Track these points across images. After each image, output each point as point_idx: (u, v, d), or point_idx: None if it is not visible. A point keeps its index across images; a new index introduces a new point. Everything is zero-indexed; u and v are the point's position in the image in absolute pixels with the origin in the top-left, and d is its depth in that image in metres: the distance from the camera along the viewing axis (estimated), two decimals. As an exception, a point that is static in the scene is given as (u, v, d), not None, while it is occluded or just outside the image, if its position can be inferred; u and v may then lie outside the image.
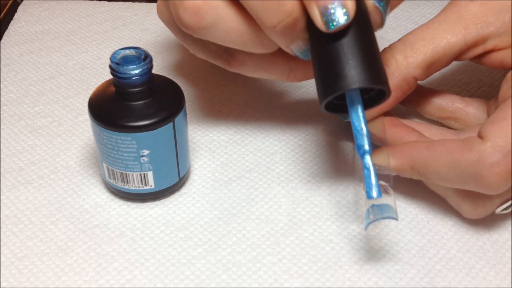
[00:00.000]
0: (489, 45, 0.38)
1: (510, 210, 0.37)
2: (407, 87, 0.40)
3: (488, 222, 0.39)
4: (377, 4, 0.34)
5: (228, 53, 0.39)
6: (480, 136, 0.34)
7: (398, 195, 0.41)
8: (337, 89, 0.32)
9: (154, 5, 0.61)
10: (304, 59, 0.36)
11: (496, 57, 0.39)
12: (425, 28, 0.39)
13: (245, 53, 0.39)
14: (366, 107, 0.35)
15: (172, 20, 0.38)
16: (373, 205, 0.34)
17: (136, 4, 0.62)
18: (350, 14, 0.32)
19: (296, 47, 0.35)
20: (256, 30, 0.35)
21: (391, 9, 0.36)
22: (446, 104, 0.43)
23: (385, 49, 0.40)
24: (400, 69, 0.39)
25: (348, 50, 0.32)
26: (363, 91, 0.35)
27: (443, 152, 0.35)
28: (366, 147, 0.34)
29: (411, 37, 0.39)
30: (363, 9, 0.34)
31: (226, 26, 0.34)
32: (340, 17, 0.32)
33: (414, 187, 0.40)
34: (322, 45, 0.33)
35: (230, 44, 0.36)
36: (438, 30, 0.38)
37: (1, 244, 0.38)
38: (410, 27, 0.57)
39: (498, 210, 0.37)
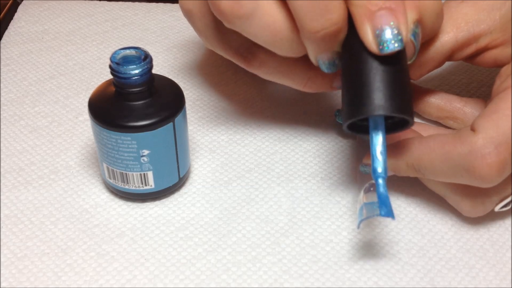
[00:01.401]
0: (481, 44, 0.38)
1: (509, 207, 0.37)
2: None
3: (488, 222, 0.39)
4: (413, 39, 0.34)
5: (250, 51, 0.39)
6: (472, 129, 0.35)
7: (398, 195, 0.41)
8: (363, 113, 0.32)
9: (154, 5, 0.62)
10: (325, 71, 0.36)
11: (489, 56, 0.39)
12: None
13: (268, 54, 0.38)
14: (388, 131, 0.35)
15: (196, 9, 0.38)
16: (366, 203, 0.35)
17: (136, 4, 0.62)
18: (405, 40, 0.32)
19: (324, 58, 0.35)
20: (292, 31, 0.34)
21: (421, 40, 0.36)
22: (444, 104, 0.43)
23: None
24: None
25: (381, 76, 0.32)
26: (387, 117, 0.35)
27: (435, 145, 0.35)
28: (380, 170, 0.34)
29: None
30: None
31: (264, 20, 0.34)
32: (393, 41, 0.32)
33: (414, 187, 0.41)
34: (357, 65, 0.33)
35: (260, 40, 0.35)
36: None
37: (1, 244, 0.38)
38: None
39: (497, 208, 0.37)
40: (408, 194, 0.41)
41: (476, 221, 0.39)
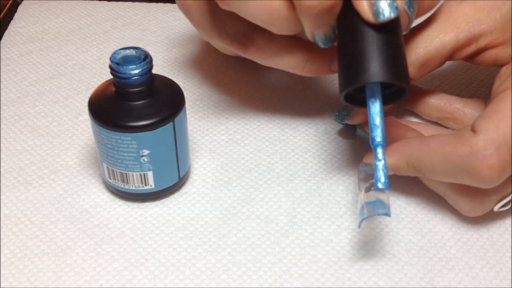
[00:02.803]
0: (481, 43, 0.38)
1: (508, 207, 0.37)
2: None
3: (488, 222, 0.39)
4: (406, 8, 0.34)
5: (246, 37, 0.39)
6: (472, 129, 0.35)
7: (398, 195, 0.41)
8: (360, 81, 0.33)
9: (154, 5, 0.61)
10: (321, 46, 0.36)
11: (489, 55, 0.39)
12: (417, 28, 0.39)
13: (264, 39, 0.38)
14: (384, 102, 0.35)
15: (191, 0, 0.38)
16: (367, 203, 0.35)
17: (136, 4, 0.62)
18: (400, 8, 0.33)
19: (321, 33, 0.35)
20: (288, 9, 0.34)
21: (420, 14, 0.36)
22: (444, 104, 0.43)
23: None
24: None
25: (377, 44, 0.33)
26: (384, 87, 0.35)
27: (436, 146, 0.35)
28: (379, 139, 0.34)
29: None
30: None
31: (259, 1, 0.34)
32: (388, 9, 0.32)
33: (414, 186, 0.41)
34: (353, 36, 0.34)
35: (257, 19, 0.35)
36: (430, 29, 0.39)
37: (1, 244, 0.38)
38: (410, 27, 0.57)
39: (496, 208, 0.37)
40: (408, 194, 0.41)
41: (476, 221, 0.39)
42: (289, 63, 0.40)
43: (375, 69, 0.33)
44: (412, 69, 0.39)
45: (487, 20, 0.38)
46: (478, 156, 0.33)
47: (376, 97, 0.34)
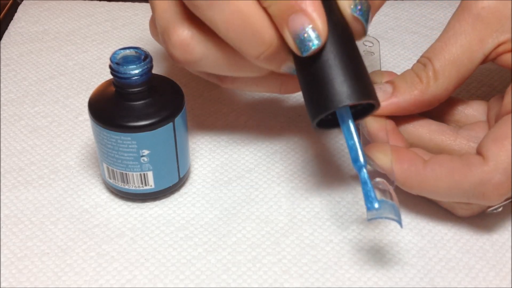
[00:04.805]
0: (500, 49, 0.38)
1: (500, 209, 0.37)
2: (437, 102, 0.40)
3: (488, 222, 0.39)
4: (355, 14, 0.33)
5: None
6: (480, 153, 0.35)
7: (397, 195, 0.41)
8: (326, 108, 0.32)
9: (154, 5, 0.61)
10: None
11: (505, 59, 0.39)
12: (444, 45, 0.39)
13: None
14: (357, 117, 0.35)
15: None
16: (382, 200, 0.34)
17: (136, 4, 0.62)
18: (322, 36, 0.31)
19: (287, 67, 0.35)
20: (244, 61, 0.35)
21: (373, 12, 0.35)
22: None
23: (416, 67, 0.40)
24: (431, 89, 0.39)
25: (331, 68, 0.32)
26: (352, 105, 0.34)
27: (443, 173, 0.35)
28: (361, 160, 0.34)
29: (434, 58, 0.39)
30: (340, 21, 0.33)
31: (215, 58, 0.35)
32: (313, 40, 0.31)
33: (414, 187, 0.40)
34: (305, 66, 0.33)
35: (221, 73, 0.36)
36: (456, 46, 0.38)
37: (1, 244, 0.38)
38: (410, 27, 0.57)
39: (489, 210, 0.37)
40: (408, 194, 0.41)
41: (475, 221, 0.39)
42: (264, 89, 0.40)
43: (335, 94, 0.32)
44: (448, 92, 0.39)
45: (509, 28, 0.38)
46: (489, 185, 0.34)
47: (347, 119, 0.34)
